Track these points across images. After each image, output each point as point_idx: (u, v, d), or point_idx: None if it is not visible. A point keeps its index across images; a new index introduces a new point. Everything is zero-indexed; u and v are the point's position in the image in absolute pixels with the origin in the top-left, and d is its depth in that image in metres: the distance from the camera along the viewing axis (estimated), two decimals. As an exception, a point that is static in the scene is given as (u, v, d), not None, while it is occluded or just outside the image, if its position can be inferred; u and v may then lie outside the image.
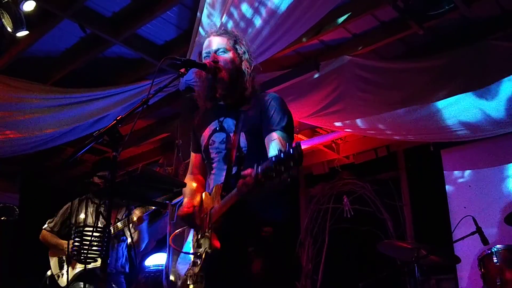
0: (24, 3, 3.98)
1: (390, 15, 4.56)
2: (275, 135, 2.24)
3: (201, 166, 2.61)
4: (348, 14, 4.46)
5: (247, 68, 2.39)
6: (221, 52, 2.39)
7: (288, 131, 2.29)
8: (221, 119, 2.41)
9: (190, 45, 4.38)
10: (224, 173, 2.30)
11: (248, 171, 1.91)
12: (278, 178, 1.76)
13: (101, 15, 4.66)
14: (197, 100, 2.53)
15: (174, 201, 3.83)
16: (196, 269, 2.20)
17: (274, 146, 2.19)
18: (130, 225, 4.00)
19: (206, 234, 2.18)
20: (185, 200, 2.46)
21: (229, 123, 2.38)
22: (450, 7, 3.99)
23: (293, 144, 1.75)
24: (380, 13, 4.57)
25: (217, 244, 2.13)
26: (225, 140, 2.34)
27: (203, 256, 2.17)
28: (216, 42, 2.43)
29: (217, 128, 2.40)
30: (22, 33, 4.06)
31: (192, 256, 2.30)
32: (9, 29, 4.01)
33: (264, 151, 2.24)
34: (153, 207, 3.90)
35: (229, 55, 2.39)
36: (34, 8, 4.09)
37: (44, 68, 5.37)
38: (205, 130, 2.48)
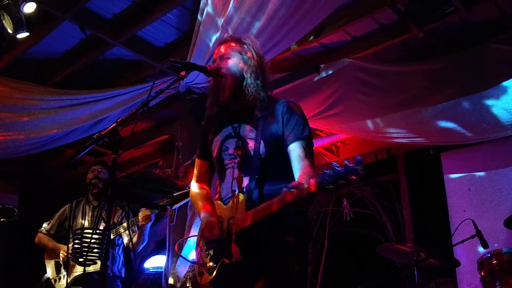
0: (24, 4, 3.97)
1: (390, 18, 4.57)
2: (300, 145, 2.23)
3: (207, 175, 2.54)
4: (348, 17, 4.47)
5: (251, 73, 2.34)
6: (226, 58, 2.38)
7: (311, 141, 2.30)
8: (236, 125, 2.34)
9: (190, 47, 4.38)
10: (238, 182, 2.23)
11: (298, 182, 1.88)
12: (335, 192, 1.72)
13: (102, 17, 4.67)
14: (206, 105, 2.48)
15: (175, 206, 3.80)
16: (207, 279, 2.16)
17: (299, 156, 2.20)
18: (135, 226, 3.96)
19: (225, 244, 2.11)
20: (206, 208, 2.34)
21: (245, 129, 2.32)
22: (450, 10, 4.00)
23: (356, 159, 1.73)
24: (380, 16, 4.57)
25: (238, 255, 2.06)
26: (241, 147, 2.28)
27: (218, 266, 2.11)
28: (222, 49, 2.43)
29: (232, 134, 2.33)
30: (22, 35, 4.06)
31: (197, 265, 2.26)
32: (10, 31, 4.00)
33: (284, 160, 2.23)
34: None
35: (233, 61, 2.37)
36: (35, 9, 4.10)
37: (44, 69, 5.37)
38: (216, 135, 2.40)
